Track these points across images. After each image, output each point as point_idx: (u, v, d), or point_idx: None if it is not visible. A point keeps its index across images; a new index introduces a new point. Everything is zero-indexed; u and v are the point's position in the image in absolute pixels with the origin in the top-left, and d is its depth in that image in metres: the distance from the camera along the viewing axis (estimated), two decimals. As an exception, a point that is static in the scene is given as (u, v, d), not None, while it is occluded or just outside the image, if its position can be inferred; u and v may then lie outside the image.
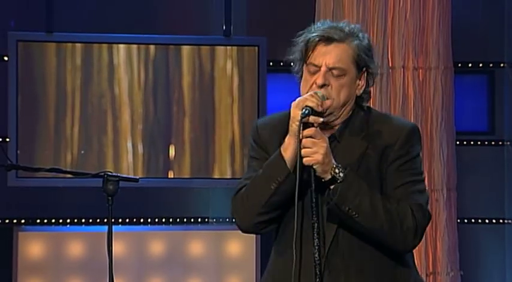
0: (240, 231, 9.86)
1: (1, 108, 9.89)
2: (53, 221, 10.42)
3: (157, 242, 10.38)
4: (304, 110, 5.15)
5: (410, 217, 5.39)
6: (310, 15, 9.49)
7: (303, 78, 5.50)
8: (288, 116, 5.40)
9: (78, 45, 10.24)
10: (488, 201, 10.86)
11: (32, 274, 10.17)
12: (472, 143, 10.42)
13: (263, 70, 10.44)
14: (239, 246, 10.66)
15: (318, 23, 5.70)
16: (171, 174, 10.33)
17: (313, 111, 5.18)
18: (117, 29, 10.46)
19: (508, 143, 11.02)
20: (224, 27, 10.71)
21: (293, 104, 5.28)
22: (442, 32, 9.12)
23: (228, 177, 10.48)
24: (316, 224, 5.29)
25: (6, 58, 9.82)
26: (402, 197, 5.46)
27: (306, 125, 5.20)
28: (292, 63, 5.68)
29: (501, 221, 10.86)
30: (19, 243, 10.13)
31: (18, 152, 9.74)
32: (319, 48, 5.43)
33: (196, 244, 10.58)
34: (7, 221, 10.03)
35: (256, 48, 10.45)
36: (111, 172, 7.01)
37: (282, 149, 5.32)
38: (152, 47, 10.41)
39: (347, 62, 5.40)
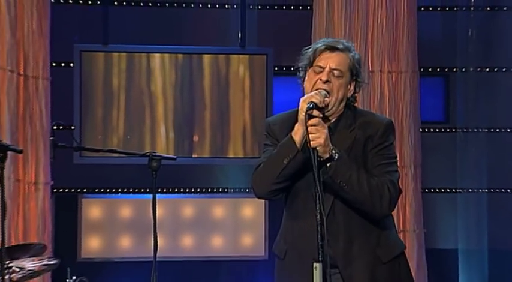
0: (252, 199, 10.11)
1: (68, 103, 9.89)
2: (108, 190, 10.52)
3: (188, 207, 10.50)
4: (309, 105, 5.34)
5: (386, 191, 5.62)
6: (308, 30, 9.57)
7: (307, 78, 5.72)
8: (292, 114, 5.66)
9: (124, 54, 10.33)
10: (444, 175, 10.83)
11: (91, 232, 10.28)
12: (432, 130, 10.53)
13: (270, 74, 10.46)
14: (252, 210, 10.72)
15: (323, 39, 6.02)
16: (194, 155, 10.35)
17: (316, 106, 5.35)
18: (153, 41, 10.51)
19: (459, 130, 11.05)
20: (240, 40, 10.70)
21: (301, 99, 5.46)
22: (410, 43, 9.21)
23: (241, 156, 10.51)
24: (318, 194, 5.34)
25: (71, 64, 9.91)
26: (380, 174, 5.68)
27: (310, 116, 5.36)
28: (299, 70, 5.89)
29: (454, 190, 10.87)
30: (82, 208, 10.26)
31: (81, 137, 9.71)
32: (325, 54, 5.70)
33: (218, 209, 10.69)
34: (73, 190, 10.14)
35: (265, 56, 10.47)
36: (155, 152, 7.08)
37: (292, 133, 5.50)
38: (180, 55, 10.46)
39: (345, 67, 5.65)
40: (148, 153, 7.09)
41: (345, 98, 5.75)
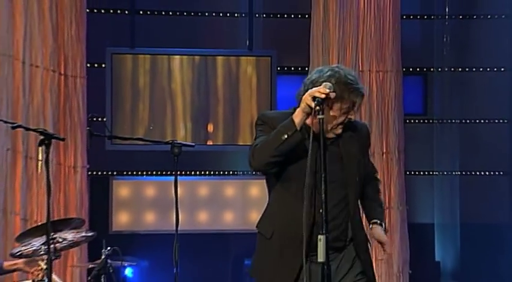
0: (258, 180, 10.15)
1: (101, 98, 9.88)
2: (135, 173, 10.54)
3: (203, 187, 10.49)
4: (315, 101, 5.11)
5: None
6: (306, 35, 9.58)
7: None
8: (287, 114, 5.39)
9: (148, 56, 10.35)
10: (423, 160, 10.80)
11: (121, 208, 10.30)
12: (412, 121, 10.49)
13: (274, 73, 10.45)
14: (258, 190, 10.63)
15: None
16: (209, 142, 10.39)
17: (322, 101, 5.11)
18: (173, 45, 10.51)
19: (436, 121, 11.05)
20: (248, 43, 10.69)
21: (307, 92, 5.17)
22: (394, 47, 9.23)
23: (249, 144, 10.28)
24: (323, 175, 5.17)
25: (103, 65, 9.93)
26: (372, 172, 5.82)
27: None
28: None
29: (431, 172, 10.90)
30: (113, 188, 10.28)
31: (111, 127, 9.57)
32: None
33: (229, 189, 10.69)
34: (105, 173, 10.14)
35: (270, 58, 10.46)
36: (176, 140, 7.12)
37: (293, 116, 5.24)
38: (197, 57, 10.46)
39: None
40: (170, 141, 7.10)
41: None
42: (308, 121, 5.30)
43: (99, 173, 9.88)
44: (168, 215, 10.19)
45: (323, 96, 5.15)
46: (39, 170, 8.43)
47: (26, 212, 8.41)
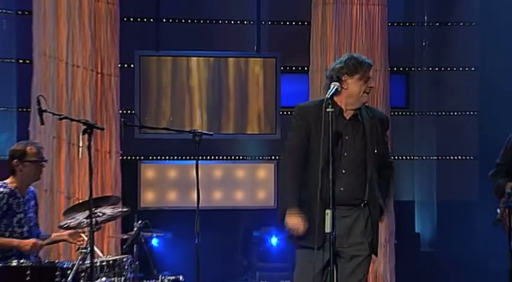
0: (265, 164, 10.15)
1: (131, 94, 9.97)
2: (159, 157, 10.59)
3: (217, 170, 10.55)
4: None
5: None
6: (307, 40, 9.46)
7: (355, 83, 5.63)
8: (317, 103, 5.67)
9: (170, 58, 10.38)
10: (405, 146, 10.89)
11: (148, 188, 10.37)
12: (397, 113, 10.48)
13: (278, 72, 10.50)
14: (264, 172, 10.72)
15: (354, 55, 5.96)
16: (222, 131, 10.35)
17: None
18: (192, 48, 10.53)
19: (416, 113, 11.12)
20: (255, 47, 10.73)
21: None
22: (383, 49, 9.15)
23: (257, 133, 10.57)
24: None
25: (132, 65, 10.01)
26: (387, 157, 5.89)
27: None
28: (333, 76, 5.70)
29: (412, 157, 11.00)
30: (141, 170, 10.36)
31: (139, 118, 9.39)
32: (368, 69, 5.75)
33: (239, 171, 10.73)
34: (134, 157, 10.20)
35: (275, 59, 10.50)
36: (197, 130, 7.10)
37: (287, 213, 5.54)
38: (211, 58, 10.50)
39: None
40: (192, 131, 7.06)
41: None
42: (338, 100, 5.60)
43: (129, 157, 9.89)
44: (187, 194, 10.32)
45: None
46: (80, 155, 8.43)
47: (69, 191, 8.37)
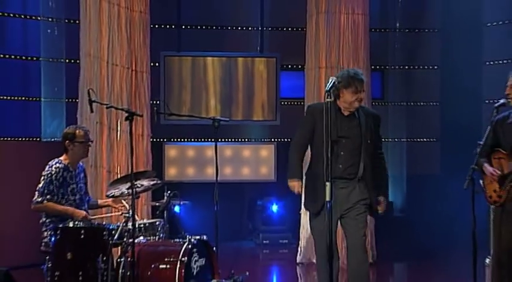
0: (266, 145, 10.12)
1: (157, 88, 9.97)
2: (180, 139, 10.62)
3: (228, 149, 10.52)
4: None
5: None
6: (302, 43, 9.40)
7: (346, 94, 5.68)
8: (321, 104, 5.53)
9: (189, 57, 10.40)
10: (381, 131, 10.78)
11: (171, 164, 10.41)
12: (375, 103, 10.02)
13: (278, 70, 10.54)
14: (266, 152, 10.73)
15: (353, 71, 5.92)
16: (233, 118, 10.25)
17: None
18: (207, 49, 10.56)
19: (390, 103, 11.14)
20: (259, 48, 10.80)
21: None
22: (365, 51, 9.07)
23: (261, 119, 10.60)
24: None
25: (157, 64, 9.94)
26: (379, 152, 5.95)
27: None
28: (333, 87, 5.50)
29: (386, 139, 10.68)
30: (165, 151, 10.40)
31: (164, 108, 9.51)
32: (360, 83, 5.73)
33: (246, 151, 10.75)
34: (159, 139, 10.13)
35: (275, 58, 10.53)
36: (216, 117, 7.14)
37: (290, 177, 5.78)
38: (224, 58, 10.54)
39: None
40: (212, 117, 7.08)
41: None
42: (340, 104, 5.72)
43: (156, 139, 9.83)
44: (203, 170, 10.39)
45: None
46: (118, 138, 8.41)
47: (110, 166, 8.36)
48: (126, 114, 6.16)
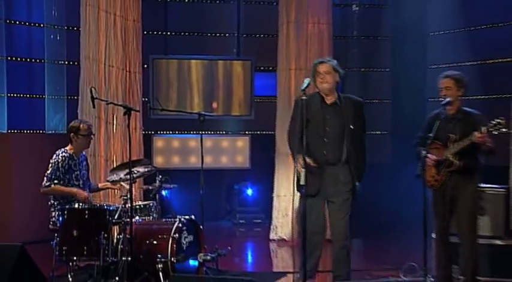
0: (242, 137, 10.08)
1: (147, 87, 9.78)
2: (166, 132, 10.45)
3: (209, 141, 10.29)
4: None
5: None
6: (275, 48, 9.37)
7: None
8: (311, 95, 5.73)
9: (175, 60, 10.28)
10: None
11: (159, 154, 10.22)
12: None
13: (253, 71, 10.42)
14: (242, 143, 10.60)
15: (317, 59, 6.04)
16: (214, 113, 10.11)
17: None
18: (191, 53, 10.42)
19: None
20: (236, 52, 10.70)
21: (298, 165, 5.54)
22: (329, 54, 8.81)
23: (238, 115, 10.47)
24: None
25: (146, 66, 9.68)
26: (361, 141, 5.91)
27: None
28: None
29: None
30: (154, 142, 10.25)
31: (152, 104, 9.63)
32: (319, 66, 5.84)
33: (224, 142, 10.56)
34: (149, 132, 9.94)
35: (250, 61, 10.42)
36: (202, 112, 7.10)
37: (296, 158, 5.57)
38: (205, 61, 10.36)
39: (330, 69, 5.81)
40: (198, 112, 7.05)
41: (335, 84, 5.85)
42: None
43: (146, 132, 9.64)
44: (186, 159, 10.32)
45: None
46: (114, 130, 8.38)
47: (107, 155, 8.33)
48: (124, 110, 6.20)
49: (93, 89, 6.51)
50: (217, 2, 10.83)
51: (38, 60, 9.46)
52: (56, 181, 6.44)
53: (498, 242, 6.69)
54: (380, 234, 9.58)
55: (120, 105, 6.62)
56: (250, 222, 10.38)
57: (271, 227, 9.23)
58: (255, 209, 10.56)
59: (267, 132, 10.34)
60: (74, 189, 6.47)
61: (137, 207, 6.62)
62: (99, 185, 7.14)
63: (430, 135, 5.92)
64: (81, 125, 6.67)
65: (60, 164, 6.47)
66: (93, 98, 6.35)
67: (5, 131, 9.01)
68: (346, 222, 5.80)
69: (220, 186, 10.77)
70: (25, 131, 9.26)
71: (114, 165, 7.87)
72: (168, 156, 10.38)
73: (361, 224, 9.83)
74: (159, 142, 10.39)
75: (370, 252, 8.44)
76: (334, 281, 5.92)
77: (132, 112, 6.36)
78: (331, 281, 5.99)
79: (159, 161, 10.17)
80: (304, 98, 5.32)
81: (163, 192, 9.14)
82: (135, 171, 6.54)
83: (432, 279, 6.17)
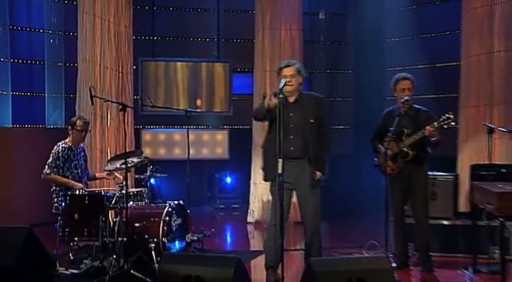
0: (222, 131, 9.97)
1: (137, 86, 9.79)
2: (154, 126, 10.41)
3: (192, 134, 10.19)
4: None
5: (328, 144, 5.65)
6: (251, 52, 9.41)
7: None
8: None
9: (162, 62, 10.27)
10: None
11: (148, 146, 10.20)
12: None
13: (231, 72, 10.43)
14: (222, 136, 10.62)
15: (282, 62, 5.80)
16: (198, 110, 9.87)
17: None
18: (177, 55, 10.43)
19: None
20: (217, 55, 10.71)
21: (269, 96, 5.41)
22: (299, 57, 8.90)
23: (219, 111, 10.46)
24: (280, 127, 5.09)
25: (135, 67, 9.45)
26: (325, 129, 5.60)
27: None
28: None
29: None
30: (142, 136, 10.27)
31: (142, 101, 9.63)
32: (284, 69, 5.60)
33: (205, 135, 10.57)
34: (138, 126, 9.96)
35: (229, 63, 10.43)
36: (189, 109, 7.17)
37: (265, 102, 5.41)
38: (190, 63, 10.37)
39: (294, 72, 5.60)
40: (185, 109, 7.13)
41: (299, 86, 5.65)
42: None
43: (136, 126, 9.68)
44: (171, 150, 10.27)
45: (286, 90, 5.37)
46: (108, 125, 8.38)
47: (101, 147, 8.34)
48: (120, 107, 6.17)
49: (92, 88, 6.53)
50: (199, 10, 10.81)
51: (38, 62, 9.43)
52: (55, 169, 6.45)
53: (447, 222, 6.78)
54: (343, 217, 9.61)
55: (117, 103, 6.61)
56: (229, 207, 10.40)
57: (249, 211, 9.25)
58: (233, 196, 10.58)
59: (244, 127, 10.36)
60: (71, 181, 6.48)
61: (131, 193, 6.57)
62: (96, 175, 7.16)
63: (391, 129, 6.00)
64: (78, 121, 6.69)
65: (60, 154, 6.49)
66: (91, 96, 6.35)
67: (10, 125, 8.99)
68: (317, 209, 5.71)
69: (202, 175, 10.74)
70: (27, 126, 9.23)
71: (108, 156, 7.90)
72: (155, 148, 10.35)
73: (326, 209, 9.88)
74: (147, 135, 10.36)
75: (336, 233, 8.44)
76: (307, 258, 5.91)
77: (132, 108, 6.43)
78: (304, 259, 5.93)
79: (147, 152, 10.04)
80: (281, 96, 5.24)
81: (152, 180, 9.22)
82: (130, 161, 6.54)
83: (391, 255, 6.25)
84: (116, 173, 6.77)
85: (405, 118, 6.12)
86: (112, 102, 7.04)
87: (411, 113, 6.16)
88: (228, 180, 10.67)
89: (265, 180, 5.75)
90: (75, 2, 8.70)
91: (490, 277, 5.91)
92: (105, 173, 6.86)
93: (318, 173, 5.59)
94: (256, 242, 8.12)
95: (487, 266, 6.19)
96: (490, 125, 6.49)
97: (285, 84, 5.34)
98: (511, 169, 6.83)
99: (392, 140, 6.09)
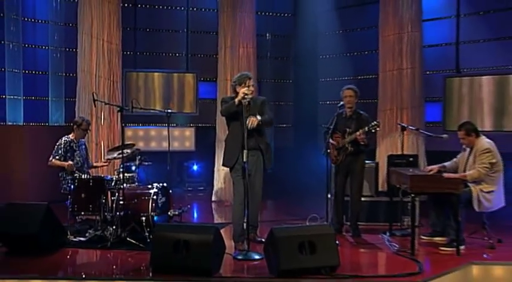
0: (189, 128, 9.77)
1: (123, 93, 9.64)
2: (138, 124, 10.26)
3: (164, 130, 9.05)
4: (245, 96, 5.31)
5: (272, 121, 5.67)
6: (215, 64, 9.27)
7: (241, 88, 5.42)
8: (231, 98, 5.57)
9: (142, 73, 10.09)
10: None
11: (129, 140, 9.48)
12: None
13: (198, 81, 10.26)
14: (189, 132, 10.37)
15: (245, 73, 5.73)
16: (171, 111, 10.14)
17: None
18: (154, 67, 10.27)
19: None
20: (186, 67, 10.60)
21: (241, 91, 5.36)
22: (253, 70, 8.86)
23: (188, 112, 10.22)
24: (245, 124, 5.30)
25: (120, 78, 9.44)
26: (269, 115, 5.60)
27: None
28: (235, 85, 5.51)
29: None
30: (125, 132, 9.99)
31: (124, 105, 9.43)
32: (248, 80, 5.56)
33: (176, 132, 10.39)
34: (122, 124, 9.44)
35: (196, 74, 10.27)
36: (169, 110, 6.99)
37: (235, 100, 5.40)
38: (164, 74, 10.11)
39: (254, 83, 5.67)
40: (165, 110, 7.03)
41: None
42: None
43: (123, 124, 9.63)
44: (149, 144, 10.13)
45: (248, 95, 5.39)
46: (102, 123, 8.34)
47: (97, 141, 8.29)
48: (118, 109, 6.29)
49: (94, 93, 6.62)
50: (171, 31, 10.73)
51: (44, 73, 9.40)
52: (57, 157, 6.50)
53: (370, 199, 6.96)
54: (288, 197, 9.63)
55: (115, 105, 6.70)
56: (195, 189, 10.36)
57: (213, 191, 9.24)
58: (198, 180, 10.54)
59: (207, 125, 10.33)
60: (65, 163, 6.50)
61: (125, 177, 6.64)
62: (95, 164, 7.22)
63: (331, 127, 6.33)
64: (83, 123, 6.77)
65: (62, 145, 6.56)
66: (94, 100, 6.49)
67: (22, 124, 8.95)
68: (261, 190, 5.73)
69: (173, 163, 10.50)
70: (35, 124, 9.18)
71: (102, 149, 7.92)
72: (135, 142, 9.78)
73: (274, 190, 10.00)
74: (128, 132, 10.21)
75: (283, 209, 8.41)
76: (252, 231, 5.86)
77: (113, 109, 6.44)
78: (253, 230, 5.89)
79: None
80: (246, 100, 5.43)
81: (133, 167, 9.18)
82: (125, 152, 6.62)
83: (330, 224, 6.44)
84: (110, 160, 6.83)
85: (349, 120, 6.36)
86: (111, 105, 7.10)
87: (354, 116, 6.36)
88: (195, 167, 10.62)
89: (224, 165, 5.74)
90: (75, 25, 8.69)
91: (402, 239, 6.11)
92: (102, 161, 6.96)
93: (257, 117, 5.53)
94: (219, 217, 8.00)
95: (400, 231, 6.44)
96: (402, 124, 6.69)
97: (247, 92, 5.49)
98: (416, 158, 7.22)
99: (339, 136, 6.33)
